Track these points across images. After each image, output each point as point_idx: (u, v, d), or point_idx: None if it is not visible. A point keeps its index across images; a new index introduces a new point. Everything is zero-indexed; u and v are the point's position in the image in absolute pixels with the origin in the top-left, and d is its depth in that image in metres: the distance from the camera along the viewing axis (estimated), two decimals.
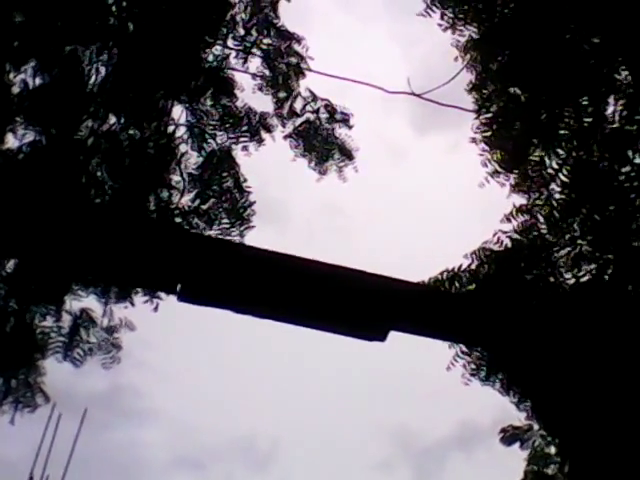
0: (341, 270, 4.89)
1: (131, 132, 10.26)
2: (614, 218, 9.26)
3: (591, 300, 9.35)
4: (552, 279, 9.47)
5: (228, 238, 10.18)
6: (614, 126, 9.09)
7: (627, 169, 9.19)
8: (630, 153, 9.16)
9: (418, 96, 10.46)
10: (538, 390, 9.95)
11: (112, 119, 10.29)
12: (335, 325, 4.91)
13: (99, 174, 10.01)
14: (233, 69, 10.81)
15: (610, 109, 9.35)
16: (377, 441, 38.90)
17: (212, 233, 10.60)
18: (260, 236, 11.11)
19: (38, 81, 10.05)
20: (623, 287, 9.52)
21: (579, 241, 9.65)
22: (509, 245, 9.45)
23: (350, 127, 11.67)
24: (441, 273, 9.27)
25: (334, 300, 4.85)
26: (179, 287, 4.74)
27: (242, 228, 10.43)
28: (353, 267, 4.85)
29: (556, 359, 8.51)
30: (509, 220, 9.69)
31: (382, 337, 4.89)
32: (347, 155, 11.67)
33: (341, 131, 11.72)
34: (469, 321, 5.32)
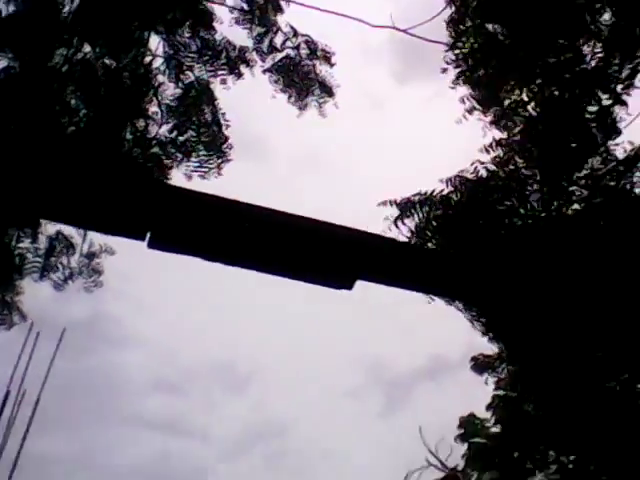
0: (309, 222, 5.00)
1: (107, 62, 10.14)
2: (577, 154, 9.39)
3: (558, 232, 9.53)
4: (522, 211, 9.61)
5: (203, 172, 10.24)
6: (588, 66, 9.12)
7: (594, 108, 9.28)
8: (600, 94, 9.22)
9: (402, 31, 10.36)
10: (501, 318, 10.19)
11: (87, 48, 10.15)
12: (302, 274, 5.06)
13: (73, 102, 9.93)
14: (211, 1, 10.59)
15: (587, 49, 9.35)
16: (351, 371, 39.87)
17: (189, 164, 10.62)
18: (239, 172, 11.16)
19: (12, 8, 9.86)
20: (590, 221, 9.69)
21: (549, 176, 9.77)
22: (484, 175, 9.56)
23: (332, 65, 11.52)
24: (414, 195, 9.40)
25: (301, 250, 4.99)
26: (149, 235, 4.84)
27: (219, 161, 10.47)
28: (321, 219, 4.98)
29: (518, 285, 8.70)
30: (487, 151, 9.78)
31: (349, 286, 5.06)
32: (327, 92, 11.55)
33: (322, 68, 11.58)
34: (435, 274, 5.49)
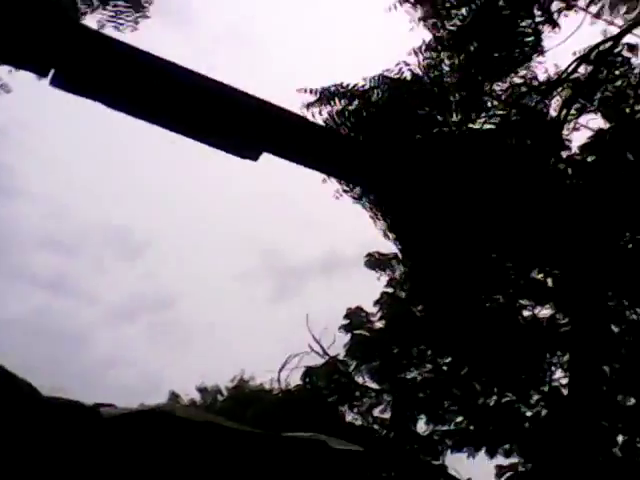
0: (220, 86, 4.73)
1: None
2: (501, 64, 9.34)
3: (471, 144, 9.54)
4: (441, 119, 9.55)
5: (119, 23, 9.61)
6: None
7: (526, 23, 9.20)
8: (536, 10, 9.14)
9: None
10: (404, 216, 10.24)
11: None
12: (206, 136, 4.83)
13: None
14: None
15: None
16: (246, 254, 40.08)
17: (105, 13, 9.96)
18: (156, 35, 10.54)
19: None
20: (503, 138, 9.74)
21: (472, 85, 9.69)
22: (408, 78, 9.38)
23: None
24: (333, 85, 9.17)
25: (209, 113, 4.75)
26: (52, 72, 4.47)
27: (137, 15, 9.86)
28: (235, 86, 4.71)
29: (427, 190, 8.71)
30: (416, 54, 9.57)
31: (254, 157, 4.89)
32: None
33: None
34: (343, 155, 5.38)
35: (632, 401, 15.56)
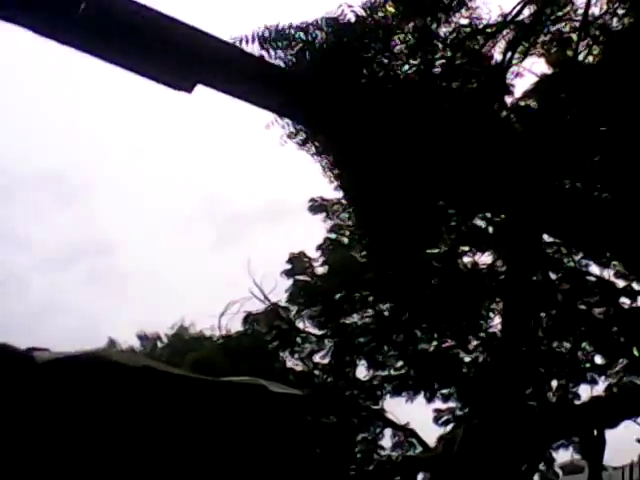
0: (158, 15, 4.51)
1: None
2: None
3: (415, 88, 9.39)
4: (386, 61, 9.36)
5: None
6: None
7: None
8: None
9: None
10: (348, 161, 10.11)
11: None
12: (141, 67, 4.62)
13: None
14: None
15: None
16: (187, 200, 39.45)
17: None
18: None
19: None
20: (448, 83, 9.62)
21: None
22: (352, 20, 9.14)
23: None
24: (271, 29, 8.87)
25: (145, 43, 4.53)
26: None
27: None
28: (166, 14, 4.51)
29: (371, 134, 8.59)
30: None
31: (189, 89, 4.69)
32: None
33: None
34: (282, 90, 5.19)
35: (567, 347, 15.93)
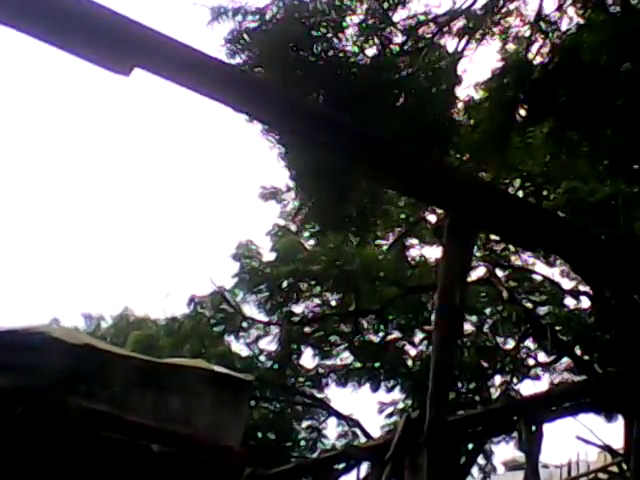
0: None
1: None
2: None
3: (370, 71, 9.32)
4: (337, 41, 9.23)
5: None
6: None
7: None
8: None
9: None
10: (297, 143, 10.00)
11: None
12: (77, 48, 4.47)
13: None
14: None
15: None
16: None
17: None
18: None
19: None
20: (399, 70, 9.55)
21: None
22: None
23: None
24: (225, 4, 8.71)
25: (82, 26, 4.39)
26: None
27: None
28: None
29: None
30: None
31: (126, 72, 4.56)
32: None
33: None
34: (232, 86, 5.11)
35: (511, 344, 16.12)
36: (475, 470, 15.76)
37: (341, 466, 12.81)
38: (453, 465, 7.60)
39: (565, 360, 15.16)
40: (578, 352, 14.40)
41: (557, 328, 14.91)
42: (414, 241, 15.43)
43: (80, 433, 7.26)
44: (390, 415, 15.48)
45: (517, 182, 13.88)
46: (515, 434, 13.50)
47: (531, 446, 6.82)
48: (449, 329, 5.23)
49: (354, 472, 9.97)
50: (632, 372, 6.65)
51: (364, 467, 9.31)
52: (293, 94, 7.07)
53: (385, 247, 15.38)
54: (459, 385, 15.33)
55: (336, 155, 8.47)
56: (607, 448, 10.83)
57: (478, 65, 10.15)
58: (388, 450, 7.52)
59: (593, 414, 13.38)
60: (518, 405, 7.26)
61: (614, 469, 9.85)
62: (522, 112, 10.07)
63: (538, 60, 9.80)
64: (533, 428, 6.90)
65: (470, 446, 8.64)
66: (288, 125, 5.98)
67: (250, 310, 15.21)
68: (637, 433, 6.04)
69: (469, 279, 15.57)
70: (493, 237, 15.71)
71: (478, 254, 15.85)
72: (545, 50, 9.74)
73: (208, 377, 9.60)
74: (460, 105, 10.29)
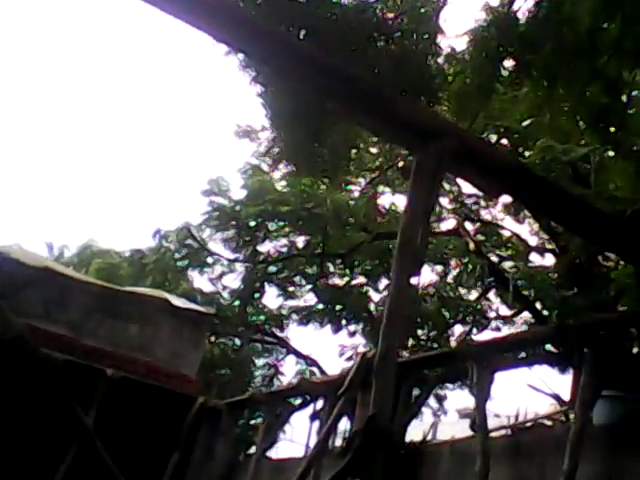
0: None
1: None
2: None
3: None
4: None
5: None
6: None
7: None
8: None
9: None
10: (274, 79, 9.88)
11: None
12: None
13: None
14: None
15: None
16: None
17: None
18: None
19: None
20: None
21: None
22: None
23: None
24: None
25: None
26: None
27: None
28: None
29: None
30: None
31: None
32: None
33: None
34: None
35: (474, 296, 16.30)
36: (429, 414, 16.13)
37: (297, 402, 13.00)
38: (401, 401, 7.68)
39: (525, 315, 15.35)
40: (538, 307, 14.59)
41: (520, 283, 15.07)
42: (386, 189, 15.44)
43: (33, 354, 7.29)
44: (350, 358, 15.64)
45: (494, 137, 13.89)
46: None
47: (481, 390, 6.90)
48: (407, 269, 5.24)
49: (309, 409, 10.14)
50: (584, 324, 6.73)
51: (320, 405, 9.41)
52: (275, 28, 6.97)
53: (356, 193, 15.37)
54: (419, 332, 15.52)
55: (311, 92, 8.39)
56: (556, 397, 11.06)
57: (462, 16, 10.04)
58: (342, 386, 7.59)
59: (547, 366, 13.66)
60: (471, 349, 7.33)
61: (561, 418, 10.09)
62: (507, 65, 9.99)
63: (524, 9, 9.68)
64: (485, 373, 6.97)
65: (421, 388, 8.75)
66: (264, 54, 5.86)
67: (216, 247, 15.20)
68: (583, 382, 6.14)
69: (438, 229, 15.80)
70: (465, 191, 15.81)
71: (449, 207, 15.94)
72: (530, 3, 9.62)
73: (168, 307, 9.69)
74: (443, 54, 10.18)
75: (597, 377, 6.16)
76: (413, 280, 5.30)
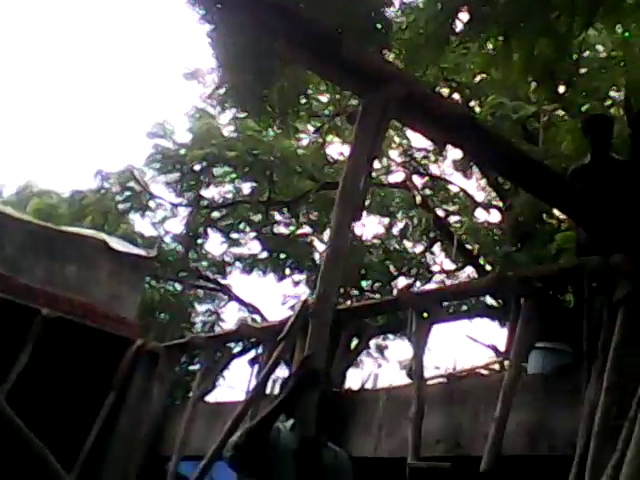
0: None
1: None
2: None
3: None
4: None
5: None
6: None
7: None
8: None
9: None
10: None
11: None
12: None
13: None
14: None
15: None
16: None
17: None
18: None
19: None
20: None
21: None
22: None
23: None
24: None
25: None
26: None
27: None
28: None
29: None
30: None
31: None
32: None
33: None
34: None
35: (419, 249, 16.42)
36: (371, 364, 16.35)
37: (238, 349, 12.99)
38: (340, 348, 7.70)
39: (469, 269, 15.54)
40: (482, 262, 14.77)
41: (465, 238, 15.21)
42: (336, 139, 15.31)
43: None
44: (293, 307, 15.67)
45: (446, 91, 13.84)
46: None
47: (419, 338, 6.93)
48: (348, 214, 5.16)
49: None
50: (523, 276, 6.77)
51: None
52: None
53: (305, 141, 15.22)
54: (363, 284, 15.60)
55: (260, 31, 8.17)
56: (494, 349, 11.28)
57: None
58: (282, 332, 7.58)
59: (488, 319, 13.92)
60: (411, 298, 7.34)
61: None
62: (462, 18, 9.88)
63: None
64: (424, 322, 7.00)
65: (361, 338, 8.78)
66: None
67: (159, 190, 14.92)
68: (518, 332, 6.20)
69: (386, 182, 15.79)
70: (415, 145, 15.80)
71: (398, 159, 15.93)
72: None
73: (106, 249, 9.50)
74: (397, 2, 10.00)
75: (532, 328, 6.23)
76: (353, 225, 5.24)
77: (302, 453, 3.62)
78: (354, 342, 8.74)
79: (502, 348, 11.14)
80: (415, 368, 6.85)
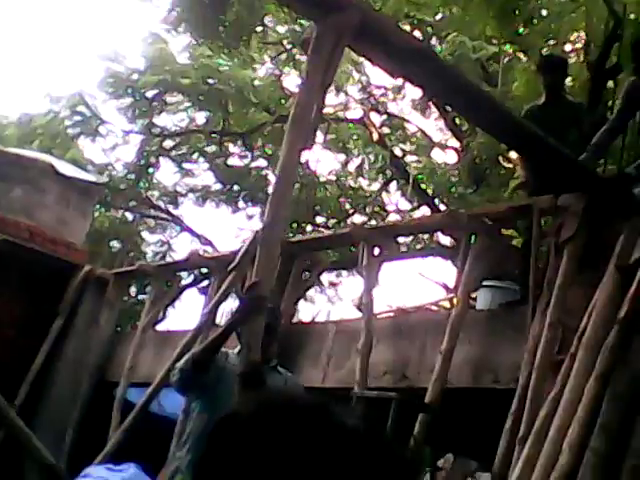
0: None
1: None
2: None
3: None
4: None
5: None
6: None
7: None
8: None
9: None
10: None
11: None
12: None
13: None
14: None
15: None
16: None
17: None
18: None
19: None
20: None
21: None
22: None
23: None
24: None
25: None
26: None
27: None
28: None
29: None
30: None
31: None
32: None
33: None
34: None
35: (375, 187, 16.43)
36: (323, 300, 16.49)
37: (189, 280, 12.92)
38: (291, 280, 7.70)
39: (424, 209, 15.61)
40: (437, 203, 14.84)
41: (421, 177, 15.24)
42: (293, 71, 15.05)
43: None
44: (244, 240, 15.59)
45: (407, 28, 13.65)
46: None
47: (370, 272, 6.94)
48: (299, 142, 5.06)
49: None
50: (474, 213, 6.80)
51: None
52: None
53: (262, 73, 14.92)
54: (318, 220, 15.58)
55: None
56: (445, 287, 11.42)
57: None
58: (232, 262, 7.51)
59: (440, 258, 14.06)
60: (363, 232, 7.33)
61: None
62: None
63: None
64: (375, 258, 7.00)
65: (311, 273, 8.81)
66: None
67: (111, 117, 14.52)
68: (467, 268, 6.25)
69: (344, 117, 15.64)
70: (374, 82, 15.62)
71: (356, 96, 15.76)
72: None
73: (54, 172, 9.24)
74: None
75: (480, 265, 6.29)
76: (307, 159, 5.17)
77: (246, 375, 3.62)
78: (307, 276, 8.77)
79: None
80: (365, 301, 6.90)
